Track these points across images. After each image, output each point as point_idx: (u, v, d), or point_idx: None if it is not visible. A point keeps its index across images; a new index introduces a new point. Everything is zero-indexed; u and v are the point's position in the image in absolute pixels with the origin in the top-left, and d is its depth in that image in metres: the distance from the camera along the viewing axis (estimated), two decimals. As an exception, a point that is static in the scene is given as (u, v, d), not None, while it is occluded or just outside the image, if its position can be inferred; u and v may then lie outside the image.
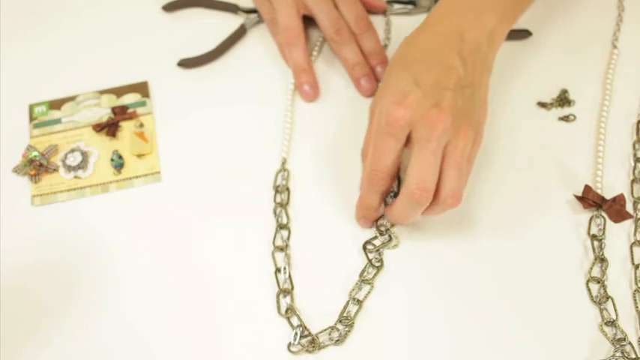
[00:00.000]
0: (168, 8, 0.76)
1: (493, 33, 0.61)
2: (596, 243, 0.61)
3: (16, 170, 0.67)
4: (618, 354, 0.56)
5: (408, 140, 0.58)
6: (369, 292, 0.60)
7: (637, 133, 0.67)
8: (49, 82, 0.72)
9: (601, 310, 0.59)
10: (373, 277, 0.61)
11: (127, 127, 0.70)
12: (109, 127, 0.69)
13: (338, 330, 0.59)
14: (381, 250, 0.61)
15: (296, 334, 0.58)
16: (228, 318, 0.60)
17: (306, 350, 0.58)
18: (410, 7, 0.76)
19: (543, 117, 0.69)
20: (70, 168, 0.67)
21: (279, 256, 0.62)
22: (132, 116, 0.70)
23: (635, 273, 0.60)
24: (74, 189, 0.67)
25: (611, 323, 0.58)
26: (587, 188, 0.63)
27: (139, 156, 0.68)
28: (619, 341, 0.57)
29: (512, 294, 0.60)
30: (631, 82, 0.70)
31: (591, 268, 0.60)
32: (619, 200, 0.63)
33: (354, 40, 0.71)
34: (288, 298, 0.60)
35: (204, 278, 0.61)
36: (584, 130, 0.68)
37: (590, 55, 0.72)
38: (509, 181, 0.65)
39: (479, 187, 0.65)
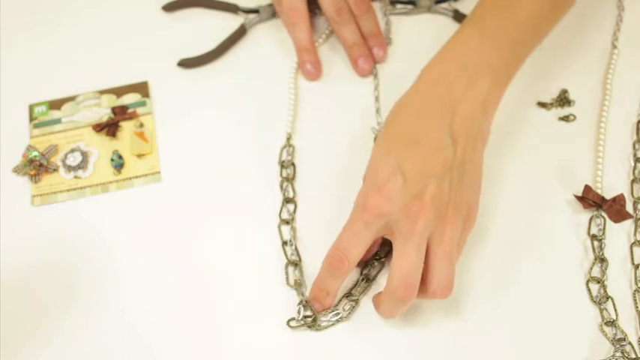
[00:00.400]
0: (168, 8, 0.76)
1: (487, 99, 0.58)
2: (596, 243, 0.61)
3: (16, 170, 0.67)
4: (618, 354, 0.56)
5: (390, 230, 0.55)
6: (379, 271, 0.60)
7: (637, 133, 0.67)
8: (49, 82, 0.72)
9: (601, 310, 0.59)
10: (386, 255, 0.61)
11: (127, 127, 0.70)
12: (109, 127, 0.69)
13: (339, 313, 0.59)
14: None
15: (299, 310, 0.58)
16: (229, 319, 0.60)
17: (308, 326, 0.58)
18: (410, 7, 0.76)
19: (543, 117, 0.69)
20: (70, 168, 0.67)
21: (285, 229, 0.63)
22: (132, 116, 0.70)
23: (635, 273, 0.60)
24: (74, 189, 0.67)
25: (611, 323, 0.58)
26: (587, 188, 0.63)
27: (139, 156, 0.68)
28: (619, 341, 0.57)
29: (512, 294, 0.60)
30: (631, 82, 0.70)
31: (591, 268, 0.60)
32: (619, 200, 0.63)
33: (353, 21, 0.72)
34: (296, 272, 0.61)
35: (205, 278, 0.61)
36: (584, 130, 0.68)
37: (590, 55, 0.72)
38: (509, 180, 0.65)
39: (479, 187, 0.65)
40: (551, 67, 0.71)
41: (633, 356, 0.57)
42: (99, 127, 0.69)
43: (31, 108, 0.71)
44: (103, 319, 0.60)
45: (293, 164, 0.66)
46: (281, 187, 0.65)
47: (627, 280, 0.60)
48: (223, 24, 0.75)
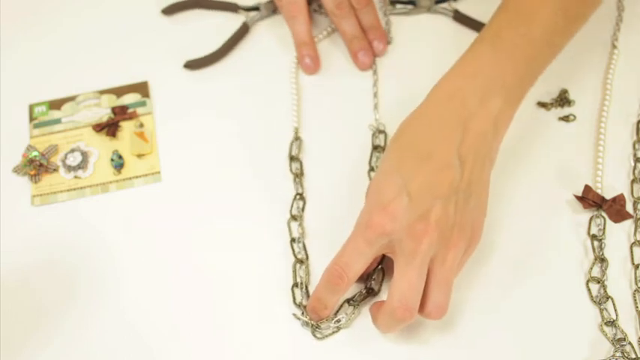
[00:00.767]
0: (167, 11, 0.76)
1: (499, 117, 0.57)
2: (596, 243, 0.61)
3: (16, 170, 0.67)
4: (618, 354, 0.56)
5: (392, 249, 0.55)
6: (381, 282, 0.60)
7: (637, 133, 0.67)
8: (49, 82, 0.72)
9: (601, 310, 0.59)
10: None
11: (127, 127, 0.70)
12: (109, 127, 0.69)
13: (340, 320, 0.58)
14: None
15: (303, 313, 0.59)
16: (229, 319, 0.60)
17: (310, 325, 0.58)
18: (410, 7, 0.76)
19: (543, 117, 0.69)
20: (70, 168, 0.67)
21: (294, 226, 0.63)
22: (132, 116, 0.70)
23: (635, 273, 0.60)
24: (74, 189, 0.67)
25: (611, 323, 0.58)
26: (587, 188, 0.63)
27: (139, 156, 0.68)
28: (619, 341, 0.57)
29: (512, 293, 0.60)
30: (631, 82, 0.70)
31: (591, 268, 0.60)
32: (619, 200, 0.63)
33: (353, 15, 0.72)
34: (301, 271, 0.61)
35: (205, 278, 0.61)
36: (584, 130, 0.68)
37: (590, 55, 0.72)
38: (509, 181, 0.65)
39: (479, 187, 0.65)
40: (551, 67, 0.71)
41: (633, 356, 0.57)
42: (99, 127, 0.69)
43: (31, 108, 0.71)
44: (103, 319, 0.60)
45: (299, 160, 0.66)
46: (294, 182, 0.65)
47: (627, 280, 0.60)
48: (223, 24, 0.75)
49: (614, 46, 0.72)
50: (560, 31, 0.61)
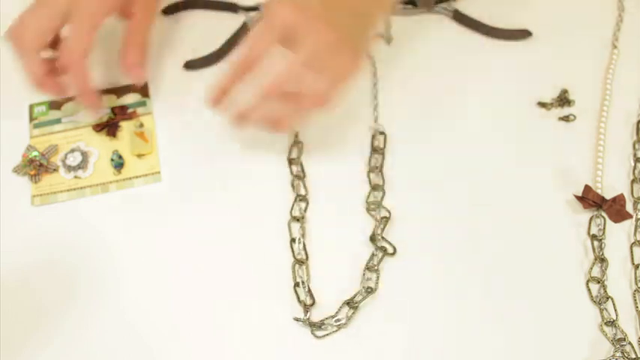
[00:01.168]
0: (167, 11, 0.76)
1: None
2: (596, 243, 0.61)
3: (16, 170, 0.67)
4: (618, 354, 0.56)
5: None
6: (378, 278, 0.60)
7: (637, 133, 0.67)
8: (49, 82, 0.72)
9: (601, 310, 0.59)
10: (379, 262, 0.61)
11: (126, 127, 0.70)
12: (109, 127, 0.69)
13: (340, 319, 0.59)
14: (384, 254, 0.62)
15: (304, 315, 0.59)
16: (229, 320, 0.60)
17: (310, 325, 0.58)
18: (410, 7, 0.76)
19: (543, 117, 0.69)
20: (70, 168, 0.67)
21: (295, 226, 0.63)
22: (132, 116, 0.70)
23: (635, 273, 0.60)
24: (74, 189, 0.67)
25: (611, 323, 0.58)
26: (587, 188, 0.63)
27: (139, 156, 0.68)
28: (619, 341, 0.57)
29: (512, 293, 0.60)
30: (631, 82, 0.70)
31: (591, 268, 0.60)
32: (619, 200, 0.63)
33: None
34: (301, 270, 0.61)
35: (205, 278, 0.61)
36: (584, 130, 0.68)
37: (590, 55, 0.72)
38: (510, 180, 0.65)
39: (479, 187, 0.65)
40: (551, 67, 0.71)
41: (633, 356, 0.57)
42: (99, 127, 0.69)
43: (31, 108, 0.71)
44: (103, 319, 0.60)
45: (300, 162, 0.66)
46: (292, 185, 0.65)
47: (627, 280, 0.60)
48: (223, 24, 0.75)
49: (614, 46, 0.72)
50: None
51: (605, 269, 0.60)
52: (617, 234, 0.62)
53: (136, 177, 0.67)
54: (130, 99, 0.71)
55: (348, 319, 0.59)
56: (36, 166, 0.67)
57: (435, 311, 0.59)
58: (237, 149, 0.68)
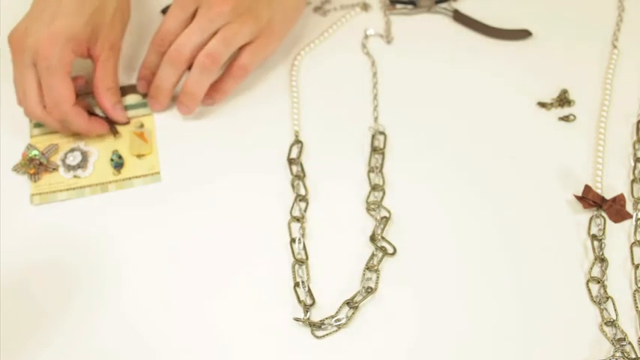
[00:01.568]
0: (166, 12, 0.76)
1: None
2: (596, 243, 0.61)
3: (16, 169, 0.67)
4: (618, 354, 0.56)
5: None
6: (378, 278, 0.60)
7: (637, 133, 0.67)
8: (48, 81, 0.72)
9: (601, 310, 0.59)
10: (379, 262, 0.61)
11: (126, 127, 0.70)
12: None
13: (340, 319, 0.59)
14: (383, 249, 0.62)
15: (304, 314, 0.59)
16: (229, 320, 0.60)
17: (310, 324, 0.58)
18: (410, 7, 0.76)
19: (543, 117, 0.69)
20: (69, 167, 0.67)
21: (295, 226, 0.63)
22: (132, 116, 0.70)
23: (635, 273, 0.60)
24: (73, 188, 0.67)
25: (611, 323, 0.58)
26: (587, 188, 0.63)
27: (139, 156, 0.68)
28: (619, 341, 0.57)
29: (512, 293, 0.60)
30: (631, 82, 0.70)
31: (591, 268, 0.60)
32: (619, 200, 0.63)
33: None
34: (301, 270, 0.61)
35: (205, 278, 0.61)
36: (584, 130, 0.68)
37: (590, 55, 0.72)
38: (510, 181, 0.65)
39: (479, 187, 0.65)
40: (551, 67, 0.71)
41: (633, 356, 0.57)
42: (99, 127, 0.69)
43: (31, 107, 0.71)
44: (103, 319, 0.60)
45: (300, 162, 0.66)
46: (292, 185, 0.65)
47: (627, 280, 0.60)
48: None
49: (614, 46, 0.72)
50: None
51: (605, 269, 0.60)
52: (617, 234, 0.62)
53: (136, 177, 0.67)
54: (130, 99, 0.71)
55: (348, 319, 0.59)
56: (36, 165, 0.67)
57: (435, 311, 0.59)
58: (237, 149, 0.68)
